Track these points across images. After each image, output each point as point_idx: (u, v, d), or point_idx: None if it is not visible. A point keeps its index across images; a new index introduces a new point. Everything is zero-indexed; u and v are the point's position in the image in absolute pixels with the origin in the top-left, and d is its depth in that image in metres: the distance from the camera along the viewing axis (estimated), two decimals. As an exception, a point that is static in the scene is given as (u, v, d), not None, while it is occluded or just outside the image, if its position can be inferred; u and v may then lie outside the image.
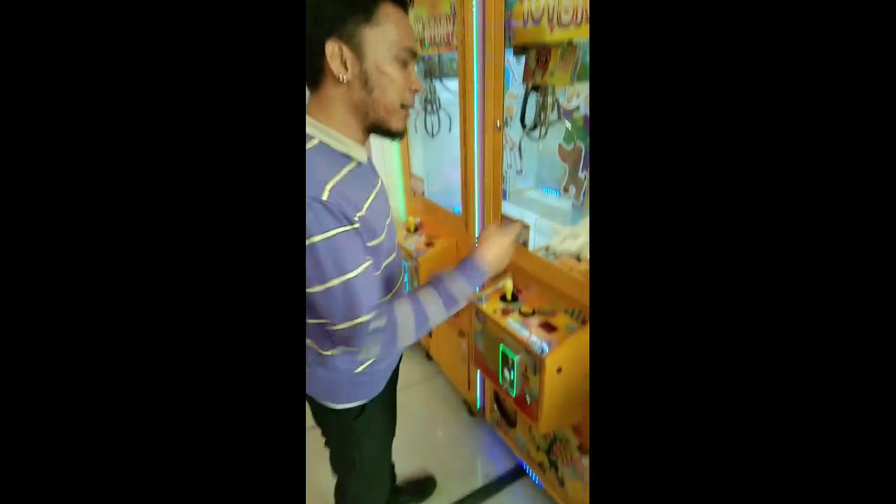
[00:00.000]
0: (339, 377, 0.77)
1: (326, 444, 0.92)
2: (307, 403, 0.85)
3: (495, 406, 1.47)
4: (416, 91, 0.67)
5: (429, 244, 1.47)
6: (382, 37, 0.60)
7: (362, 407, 0.82)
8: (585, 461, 1.08)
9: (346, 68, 0.60)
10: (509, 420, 1.41)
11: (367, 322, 0.64)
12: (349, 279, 0.61)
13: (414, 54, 0.64)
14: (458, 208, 1.37)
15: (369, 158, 0.74)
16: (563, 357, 0.92)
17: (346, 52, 0.59)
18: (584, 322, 0.97)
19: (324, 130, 0.63)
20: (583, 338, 0.93)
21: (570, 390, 0.96)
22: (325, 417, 0.85)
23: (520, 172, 1.35)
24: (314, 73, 0.62)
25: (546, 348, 0.93)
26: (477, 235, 1.30)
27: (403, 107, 0.66)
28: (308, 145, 0.62)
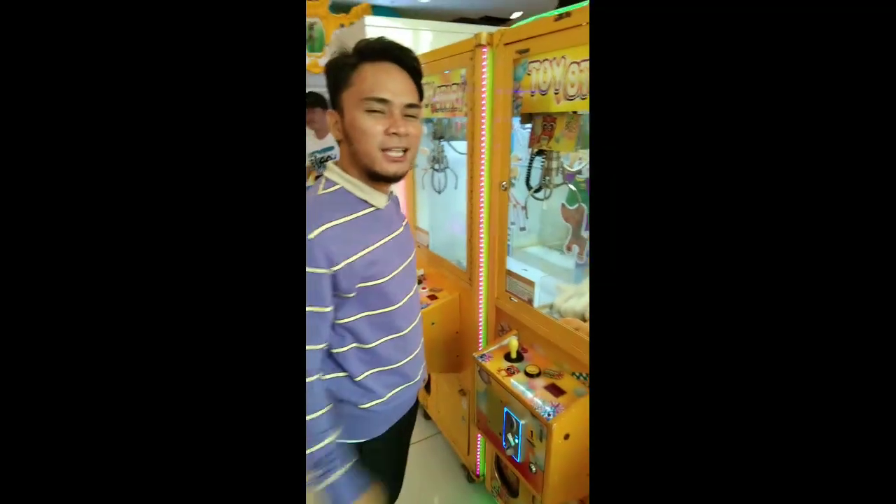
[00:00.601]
0: (339, 407, 0.77)
1: None
2: None
3: (496, 473, 1.38)
4: (396, 133, 0.70)
5: (431, 297, 1.45)
6: (353, 95, 0.70)
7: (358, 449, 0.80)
8: (594, 539, 1.01)
9: (339, 130, 0.74)
10: (511, 489, 1.32)
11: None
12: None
13: (382, 101, 0.69)
14: (464, 262, 1.38)
15: (396, 202, 0.84)
16: (570, 423, 0.88)
17: (337, 117, 0.73)
18: (591, 385, 0.94)
19: (346, 178, 0.74)
20: (591, 402, 0.90)
21: (579, 460, 0.91)
22: None
23: (523, 230, 1.38)
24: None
25: (553, 412, 0.89)
26: (480, 290, 1.30)
27: (387, 150, 0.71)
28: (329, 190, 0.73)
